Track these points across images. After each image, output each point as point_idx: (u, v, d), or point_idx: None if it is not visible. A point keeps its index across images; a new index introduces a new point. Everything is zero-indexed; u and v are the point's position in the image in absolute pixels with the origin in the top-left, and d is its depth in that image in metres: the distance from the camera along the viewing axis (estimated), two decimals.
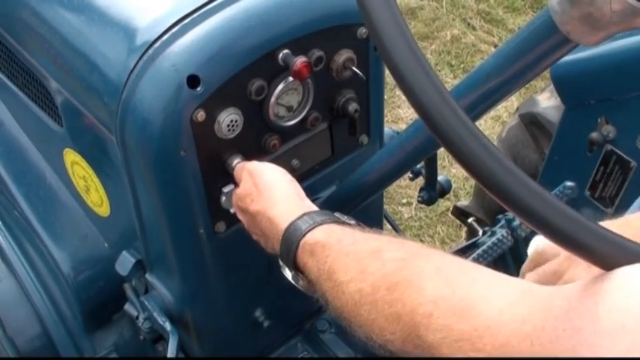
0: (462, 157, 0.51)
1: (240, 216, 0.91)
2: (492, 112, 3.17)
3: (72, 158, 1.16)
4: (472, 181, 2.31)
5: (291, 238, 0.76)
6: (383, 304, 0.62)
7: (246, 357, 1.26)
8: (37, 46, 1.09)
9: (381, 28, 0.52)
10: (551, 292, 0.52)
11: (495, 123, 3.10)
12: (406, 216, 2.75)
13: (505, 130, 1.81)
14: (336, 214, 0.81)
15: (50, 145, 1.23)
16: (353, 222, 0.80)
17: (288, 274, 0.80)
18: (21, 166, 1.28)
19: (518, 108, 1.79)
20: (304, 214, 0.78)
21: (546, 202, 0.49)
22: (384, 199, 2.77)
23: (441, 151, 3.17)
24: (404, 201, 2.79)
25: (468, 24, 3.66)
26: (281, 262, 0.80)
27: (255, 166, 0.91)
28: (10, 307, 1.28)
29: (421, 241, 2.64)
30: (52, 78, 1.07)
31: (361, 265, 0.67)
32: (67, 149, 1.16)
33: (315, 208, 0.82)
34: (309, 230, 0.75)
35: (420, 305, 0.59)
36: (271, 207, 0.83)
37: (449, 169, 2.88)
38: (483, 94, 0.72)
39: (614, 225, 0.71)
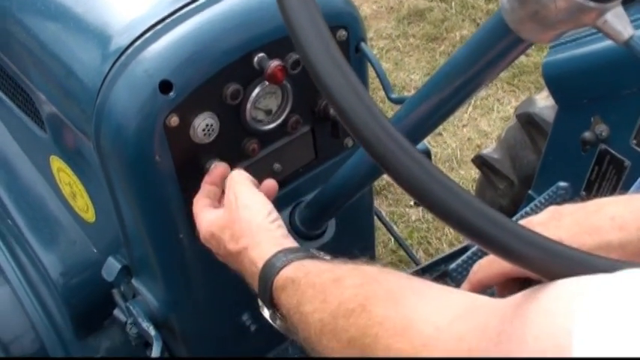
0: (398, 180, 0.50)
1: (209, 240, 0.89)
2: (502, 113, 3.15)
3: (57, 165, 1.16)
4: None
5: (266, 277, 0.77)
6: (341, 331, 0.63)
7: (245, 357, 1.26)
8: (17, 53, 1.10)
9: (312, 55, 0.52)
10: (491, 309, 0.51)
11: (504, 123, 3.08)
12: (413, 218, 2.73)
13: (504, 131, 1.79)
14: (313, 251, 0.81)
15: (37, 152, 1.24)
16: (328, 257, 0.80)
17: (266, 313, 0.80)
18: (11, 173, 1.29)
19: (516, 108, 1.77)
20: (279, 252, 0.78)
21: (480, 212, 0.48)
22: (391, 202, 2.79)
23: (449, 153, 3.13)
24: (411, 203, 2.77)
25: (478, 24, 3.63)
26: (260, 302, 0.81)
27: (241, 193, 0.87)
28: (3, 314, 1.29)
29: (428, 243, 2.62)
30: (33, 84, 1.08)
31: (324, 294, 0.67)
32: (52, 156, 1.17)
33: (294, 244, 0.82)
34: (282, 267, 0.75)
35: (368, 327, 0.59)
36: (254, 247, 0.82)
37: (457, 171, 2.86)
38: (444, 97, 0.71)
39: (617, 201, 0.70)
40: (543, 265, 0.47)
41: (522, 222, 0.75)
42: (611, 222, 0.66)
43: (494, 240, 0.47)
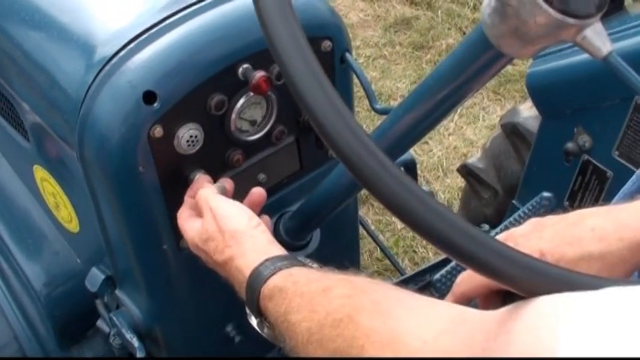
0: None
1: (196, 251, 0.89)
2: (487, 121, 3.16)
3: (41, 175, 1.16)
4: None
5: (254, 285, 0.76)
6: (327, 341, 0.63)
7: (243, 357, 1.26)
8: (0, 62, 1.09)
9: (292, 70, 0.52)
10: (476, 324, 0.51)
11: (489, 131, 3.09)
12: (399, 226, 2.73)
13: (489, 140, 1.80)
14: (300, 258, 0.81)
15: (21, 162, 1.23)
16: (315, 265, 0.80)
17: (253, 321, 0.80)
18: None
19: (501, 118, 1.78)
20: (266, 260, 0.78)
21: (463, 231, 0.48)
22: (377, 210, 2.79)
23: (435, 162, 3.13)
24: None
25: (464, 33, 3.65)
26: (247, 310, 0.80)
27: (217, 205, 0.87)
28: None
29: (414, 251, 2.63)
30: (17, 94, 1.08)
31: (311, 304, 0.67)
32: (36, 166, 1.16)
33: (281, 252, 0.82)
34: (270, 276, 0.75)
35: (355, 339, 0.59)
36: (240, 256, 0.82)
37: (443, 180, 2.87)
38: (428, 110, 0.71)
39: (599, 212, 0.71)
40: (526, 283, 0.47)
41: (505, 234, 0.76)
42: (591, 233, 0.67)
43: (476, 258, 0.48)
